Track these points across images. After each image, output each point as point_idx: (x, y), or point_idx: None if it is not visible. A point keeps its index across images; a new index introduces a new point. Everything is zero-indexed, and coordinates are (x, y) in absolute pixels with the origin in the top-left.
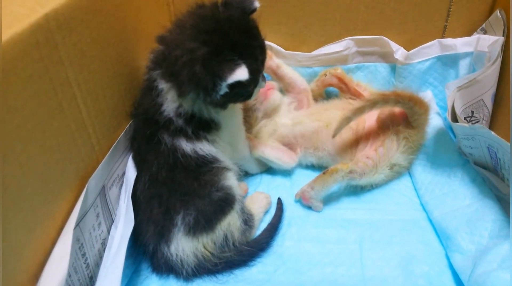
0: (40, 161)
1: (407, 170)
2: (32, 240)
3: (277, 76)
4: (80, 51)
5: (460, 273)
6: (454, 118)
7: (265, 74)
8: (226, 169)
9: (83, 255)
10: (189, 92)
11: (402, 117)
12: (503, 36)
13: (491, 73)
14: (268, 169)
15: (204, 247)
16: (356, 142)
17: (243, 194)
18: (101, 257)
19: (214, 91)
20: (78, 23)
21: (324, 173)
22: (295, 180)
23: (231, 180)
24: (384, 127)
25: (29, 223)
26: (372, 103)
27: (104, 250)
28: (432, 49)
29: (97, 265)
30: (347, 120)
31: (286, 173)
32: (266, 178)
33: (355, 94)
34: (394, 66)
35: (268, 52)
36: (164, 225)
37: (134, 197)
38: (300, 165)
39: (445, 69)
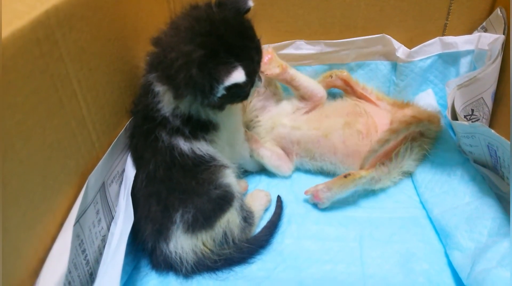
0: (40, 157)
1: None
2: (32, 237)
3: (293, 87)
4: (81, 48)
5: (460, 270)
6: (454, 116)
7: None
8: (224, 167)
9: (83, 251)
10: (186, 95)
11: None
12: (503, 34)
13: (491, 71)
14: None
15: (203, 244)
16: (365, 149)
17: (243, 191)
18: (101, 254)
19: (211, 93)
20: (79, 20)
21: (345, 176)
22: (295, 178)
23: (229, 177)
24: None
25: (29, 220)
26: (395, 133)
27: (104, 246)
28: (433, 47)
29: (97, 261)
30: (374, 152)
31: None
32: (266, 176)
33: (361, 97)
34: (395, 64)
35: (282, 64)
36: (162, 223)
37: (132, 194)
38: (299, 168)
39: (446, 67)
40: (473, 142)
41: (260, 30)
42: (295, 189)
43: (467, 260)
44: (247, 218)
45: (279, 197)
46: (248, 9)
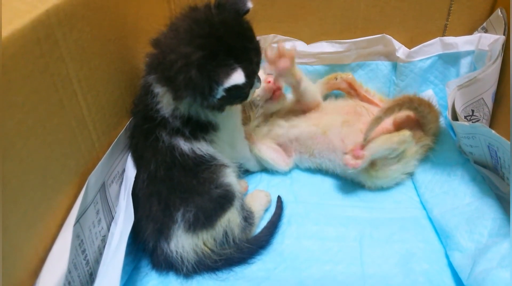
0: (41, 157)
1: None
2: (32, 236)
3: (295, 91)
4: (81, 47)
5: (460, 271)
6: (455, 117)
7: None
8: (225, 166)
9: (83, 251)
10: (185, 97)
11: (417, 122)
12: (504, 35)
13: (491, 72)
14: None
15: (204, 244)
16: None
17: (243, 191)
18: (101, 254)
19: (210, 95)
20: (79, 20)
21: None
22: (294, 178)
23: (230, 177)
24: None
25: (29, 219)
26: (394, 107)
27: (104, 246)
28: (433, 47)
29: (97, 261)
30: (378, 120)
31: (286, 171)
32: (266, 176)
33: (364, 100)
34: (395, 65)
35: (297, 72)
36: (163, 222)
37: (133, 194)
38: (298, 168)
39: (446, 68)
40: (473, 142)
41: (260, 31)
42: (295, 189)
43: (467, 261)
44: (248, 218)
45: (279, 198)
46: (247, 11)
